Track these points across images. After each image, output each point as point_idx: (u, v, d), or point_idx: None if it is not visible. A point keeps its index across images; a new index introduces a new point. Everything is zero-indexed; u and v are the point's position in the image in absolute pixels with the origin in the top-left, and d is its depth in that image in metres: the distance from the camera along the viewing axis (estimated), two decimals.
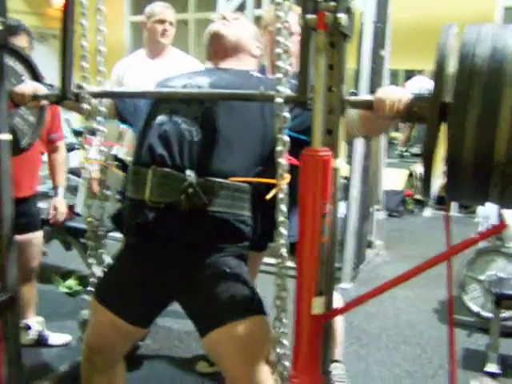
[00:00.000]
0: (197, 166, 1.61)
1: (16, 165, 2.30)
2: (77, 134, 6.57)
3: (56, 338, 2.97)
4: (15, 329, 1.90)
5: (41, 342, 2.93)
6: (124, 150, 3.06)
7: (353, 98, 1.40)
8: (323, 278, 1.28)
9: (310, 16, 1.24)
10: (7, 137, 1.81)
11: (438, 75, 1.22)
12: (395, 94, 1.34)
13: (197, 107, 1.66)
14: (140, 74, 2.98)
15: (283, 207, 1.40)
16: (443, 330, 3.22)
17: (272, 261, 1.51)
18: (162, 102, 1.75)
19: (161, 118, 1.70)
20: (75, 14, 1.73)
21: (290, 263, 1.43)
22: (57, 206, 2.98)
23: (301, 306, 1.30)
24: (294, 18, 2.04)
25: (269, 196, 1.44)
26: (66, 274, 3.70)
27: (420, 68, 7.66)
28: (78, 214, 4.03)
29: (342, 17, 1.22)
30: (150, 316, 1.83)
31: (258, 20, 5.09)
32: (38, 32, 7.81)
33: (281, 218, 1.40)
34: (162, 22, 3.01)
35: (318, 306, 1.28)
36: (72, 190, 6.40)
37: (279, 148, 1.40)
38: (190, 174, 1.58)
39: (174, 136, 1.64)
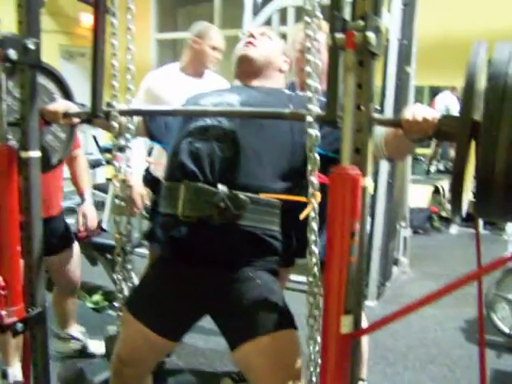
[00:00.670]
0: (228, 181, 1.64)
1: (46, 182, 2.35)
2: (104, 150, 6.65)
3: (97, 348, 3.02)
4: (43, 343, 1.91)
5: (82, 351, 3.00)
6: (153, 167, 3.08)
7: (381, 116, 1.40)
8: (351, 297, 1.27)
9: (338, 35, 1.24)
10: (37, 154, 1.84)
11: (468, 93, 1.21)
12: (423, 113, 1.34)
13: (228, 124, 1.70)
14: (177, 89, 2.99)
15: (314, 226, 1.41)
16: (471, 349, 3.17)
17: (297, 278, 1.51)
18: (193, 118, 1.78)
19: (192, 135, 1.74)
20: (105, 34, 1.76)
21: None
22: (85, 213, 2.88)
23: (328, 325, 1.29)
24: (322, 36, 2.06)
25: (302, 216, 1.45)
26: (92, 290, 3.71)
27: (445, 84, 7.62)
28: (104, 230, 4.06)
29: (371, 36, 1.22)
30: (182, 329, 1.84)
31: (283, 37, 5.13)
32: (66, 50, 7.97)
33: (312, 237, 1.41)
34: (215, 48, 3.02)
35: (346, 324, 1.27)
36: (98, 205, 6.47)
37: (310, 167, 1.41)
38: (222, 189, 1.62)
39: (205, 152, 1.68)
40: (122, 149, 1.84)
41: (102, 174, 7.26)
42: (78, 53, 7.95)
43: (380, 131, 1.59)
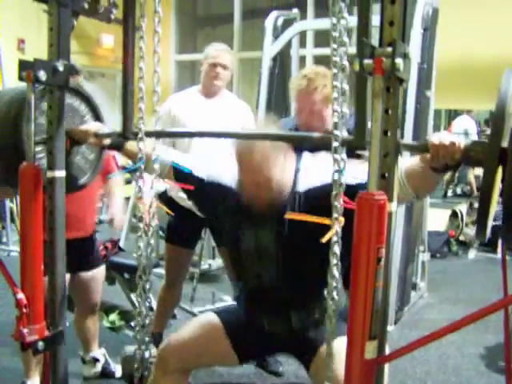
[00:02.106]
0: (299, 313, 1.97)
1: (82, 202, 2.39)
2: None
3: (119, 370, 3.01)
4: (63, 363, 1.92)
5: (106, 373, 3.01)
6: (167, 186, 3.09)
7: (408, 141, 1.40)
8: (376, 322, 1.27)
9: (367, 61, 1.25)
10: (63, 174, 1.86)
11: (499, 120, 1.21)
12: (450, 138, 1.34)
13: (274, 271, 1.95)
14: (194, 110, 3.03)
15: (337, 250, 1.41)
16: (492, 377, 3.12)
17: None
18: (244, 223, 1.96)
19: (250, 284, 2.04)
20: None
21: None
22: (114, 212, 2.91)
23: (353, 350, 1.28)
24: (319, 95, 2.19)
25: (325, 239, 1.47)
26: (109, 309, 3.72)
27: (462, 108, 7.61)
28: (121, 249, 4.07)
29: (400, 62, 1.23)
30: (254, 357, 2.28)
31: (302, 59, 5.17)
32: (87, 71, 8.08)
33: (334, 261, 1.42)
34: (214, 65, 3.06)
35: (370, 350, 1.26)
36: None
37: (335, 191, 1.42)
38: (295, 325, 1.97)
39: (268, 301, 1.98)
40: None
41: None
42: (98, 73, 8.05)
43: (399, 167, 1.58)
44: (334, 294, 1.45)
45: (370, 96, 1.32)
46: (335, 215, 1.43)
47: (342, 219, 1.43)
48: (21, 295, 1.74)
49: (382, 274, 1.24)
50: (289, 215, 1.83)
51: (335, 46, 1.42)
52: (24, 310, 1.73)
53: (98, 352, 3.02)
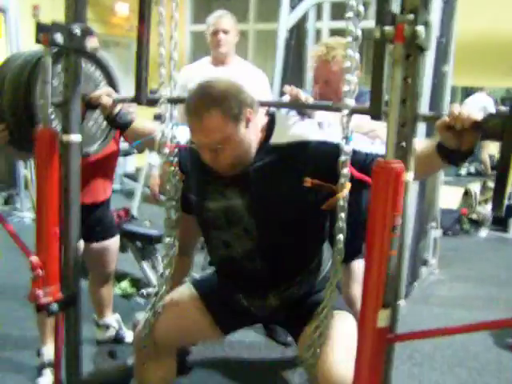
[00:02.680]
0: (274, 288, 1.82)
1: (90, 169, 2.39)
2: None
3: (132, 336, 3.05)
4: (76, 325, 1.95)
5: (118, 339, 3.05)
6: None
7: (426, 112, 1.39)
8: (390, 291, 1.27)
9: (387, 28, 1.23)
10: (78, 138, 1.86)
11: None
12: (470, 109, 1.32)
13: (247, 240, 1.75)
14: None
15: (343, 214, 1.47)
16: (501, 354, 3.14)
17: None
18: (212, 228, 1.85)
19: (219, 253, 1.86)
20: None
21: None
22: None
23: (365, 318, 1.29)
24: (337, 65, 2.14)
25: (325, 206, 1.60)
26: (120, 277, 3.76)
27: (481, 85, 7.50)
28: (134, 218, 4.10)
29: (421, 30, 1.21)
30: (239, 327, 2.06)
31: (318, 33, 5.12)
32: (101, 39, 8.03)
33: (340, 224, 1.48)
34: (215, 33, 3.06)
35: (383, 318, 1.27)
36: (128, 194, 6.54)
37: (342, 158, 1.46)
38: (273, 303, 1.83)
39: (240, 273, 1.83)
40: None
41: (132, 162, 7.32)
42: (112, 42, 8.01)
43: None
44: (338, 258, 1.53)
45: (387, 65, 1.31)
46: (342, 181, 1.48)
47: (349, 185, 1.48)
48: (35, 257, 1.76)
49: (396, 242, 1.24)
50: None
51: (351, 14, 1.41)
52: (39, 272, 1.75)
53: (112, 318, 3.05)
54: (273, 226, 1.72)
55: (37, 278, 1.75)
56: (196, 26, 7.99)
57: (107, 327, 3.03)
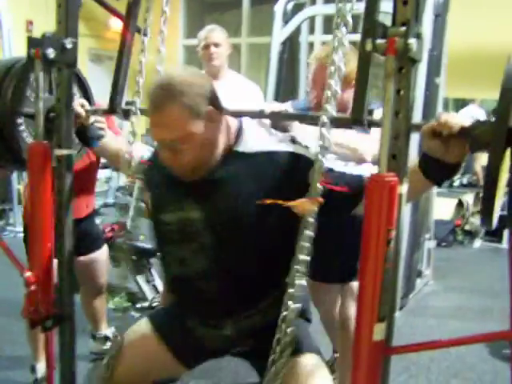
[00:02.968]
0: (231, 315, 1.62)
1: (77, 184, 2.36)
2: None
3: None
4: (71, 341, 1.93)
5: None
6: None
7: (419, 122, 1.39)
8: (385, 304, 1.26)
9: (379, 41, 1.24)
10: (71, 152, 1.86)
11: (505, 100, 1.20)
12: (458, 117, 1.31)
13: (204, 258, 1.57)
14: None
15: (307, 232, 1.39)
16: (496, 364, 3.13)
17: None
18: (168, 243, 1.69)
19: (173, 271, 1.70)
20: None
21: None
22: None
23: (361, 332, 1.28)
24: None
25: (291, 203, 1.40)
26: (114, 291, 3.73)
27: (472, 97, 7.56)
28: (128, 232, 4.08)
29: (413, 42, 1.21)
30: (201, 361, 1.82)
31: (311, 46, 5.15)
32: (94, 53, 8.07)
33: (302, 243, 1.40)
34: (206, 46, 3.07)
35: (378, 332, 1.26)
36: (122, 208, 6.51)
37: (316, 168, 1.40)
38: (229, 332, 1.63)
39: (194, 295, 1.65)
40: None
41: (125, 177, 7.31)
42: (106, 56, 8.04)
43: None
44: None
45: (371, 74, 1.32)
46: (315, 192, 1.40)
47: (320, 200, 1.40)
48: (28, 273, 1.75)
49: (391, 255, 1.24)
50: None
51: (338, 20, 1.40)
52: (32, 288, 1.74)
53: (108, 331, 3.03)
54: (232, 243, 1.54)
55: (30, 293, 1.74)
56: (189, 41, 8.03)
57: (105, 339, 3.00)
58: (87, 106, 1.91)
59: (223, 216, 1.53)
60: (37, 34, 1.78)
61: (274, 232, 1.53)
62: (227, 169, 1.54)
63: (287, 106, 2.08)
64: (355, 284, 2.34)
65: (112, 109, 1.84)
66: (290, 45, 4.72)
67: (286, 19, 4.54)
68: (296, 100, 2.96)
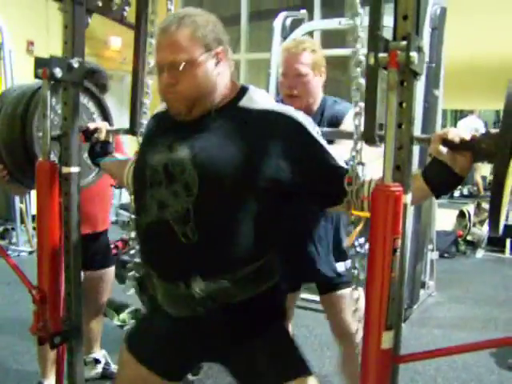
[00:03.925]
0: (202, 270, 1.47)
1: (90, 198, 2.40)
2: None
3: None
4: (79, 357, 1.94)
5: (106, 375, 2.97)
6: None
7: (421, 135, 1.42)
8: (393, 313, 1.28)
9: (381, 55, 1.26)
10: (77, 170, 1.88)
11: (509, 112, 1.23)
12: (462, 132, 1.34)
13: (185, 198, 1.47)
14: None
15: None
16: (503, 374, 3.13)
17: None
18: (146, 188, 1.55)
19: (149, 216, 1.53)
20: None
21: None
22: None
23: (369, 341, 1.29)
24: (307, 57, 2.12)
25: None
26: (119, 307, 3.73)
27: (472, 108, 7.60)
28: (132, 248, 4.09)
29: (414, 55, 1.24)
30: (186, 370, 1.80)
31: None
32: None
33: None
34: None
35: (386, 340, 1.28)
36: (124, 225, 6.53)
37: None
38: (198, 291, 1.47)
39: (167, 243, 1.51)
40: None
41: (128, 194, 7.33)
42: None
43: (370, 175, 1.47)
44: None
45: (380, 89, 1.35)
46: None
47: None
48: (37, 290, 1.77)
49: (397, 264, 1.26)
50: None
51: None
52: (41, 305, 1.76)
53: (100, 353, 2.99)
54: (215, 185, 1.45)
55: (39, 310, 1.76)
56: None
57: (96, 362, 2.95)
58: (108, 127, 1.96)
59: (213, 158, 1.45)
60: (37, 54, 1.81)
61: (260, 196, 1.47)
62: (224, 117, 1.51)
63: None
64: (347, 292, 2.31)
65: (132, 129, 1.88)
66: None
67: (285, 35, 4.58)
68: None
